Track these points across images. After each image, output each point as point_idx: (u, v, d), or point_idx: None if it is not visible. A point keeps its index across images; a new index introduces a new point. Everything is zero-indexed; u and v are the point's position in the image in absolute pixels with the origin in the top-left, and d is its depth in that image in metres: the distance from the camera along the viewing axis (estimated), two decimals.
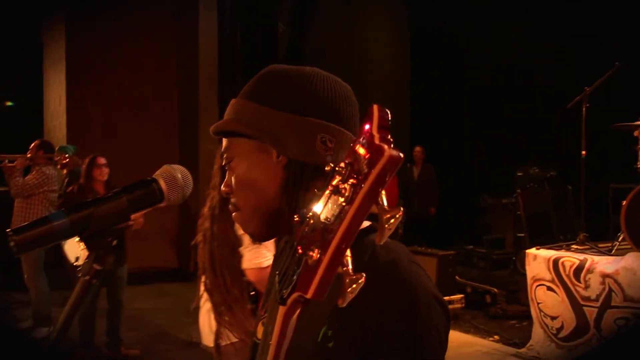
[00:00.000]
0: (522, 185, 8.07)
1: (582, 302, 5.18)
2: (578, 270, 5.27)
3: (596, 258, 5.16)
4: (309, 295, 0.74)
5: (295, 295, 0.76)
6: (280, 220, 1.11)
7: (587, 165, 5.48)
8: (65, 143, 8.61)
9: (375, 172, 0.69)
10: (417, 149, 9.48)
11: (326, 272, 0.73)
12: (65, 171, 6.82)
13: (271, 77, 1.18)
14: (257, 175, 1.12)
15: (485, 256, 8.89)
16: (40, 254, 6.35)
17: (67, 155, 6.67)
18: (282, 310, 0.79)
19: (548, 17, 9.10)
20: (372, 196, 0.70)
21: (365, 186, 0.70)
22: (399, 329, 0.96)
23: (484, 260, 8.88)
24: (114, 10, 9.31)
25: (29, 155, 6.36)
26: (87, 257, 1.03)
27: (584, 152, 5.46)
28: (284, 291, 0.78)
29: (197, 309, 2.90)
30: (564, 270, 5.45)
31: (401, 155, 0.70)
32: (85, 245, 1.01)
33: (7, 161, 6.15)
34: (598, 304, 5.04)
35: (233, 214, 1.18)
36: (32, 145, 6.51)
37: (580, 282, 5.19)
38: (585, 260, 5.18)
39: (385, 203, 0.75)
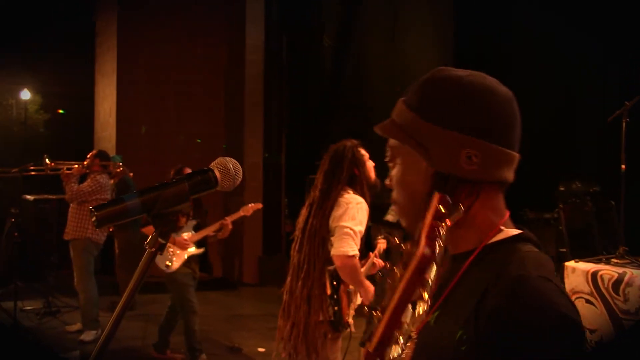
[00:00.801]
0: (565, 200, 8.15)
1: (621, 316, 5.23)
2: (617, 283, 5.34)
3: (635, 271, 5.20)
4: (371, 349, 0.95)
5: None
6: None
7: (627, 179, 5.57)
8: (114, 153, 9.04)
9: (408, 272, 0.94)
10: None
11: (384, 333, 0.95)
12: (112, 181, 7.23)
13: (429, 85, 1.18)
14: (409, 179, 1.18)
15: None
16: (90, 260, 6.67)
17: (120, 164, 7.08)
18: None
19: (592, 31, 9.19)
20: (410, 288, 0.95)
21: (402, 281, 0.95)
22: (523, 344, 0.98)
23: None
24: (163, 27, 9.71)
25: (85, 164, 6.74)
26: (153, 233, 1.25)
27: (623, 167, 5.56)
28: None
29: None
30: (603, 284, 5.53)
31: (429, 252, 0.92)
32: (152, 222, 1.23)
33: (65, 168, 6.54)
34: (638, 317, 5.11)
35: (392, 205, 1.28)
36: (90, 154, 6.90)
37: (619, 295, 5.25)
38: (625, 273, 5.23)
39: (426, 296, 0.97)
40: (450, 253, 1.18)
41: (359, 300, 3.31)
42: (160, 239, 1.22)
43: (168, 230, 1.23)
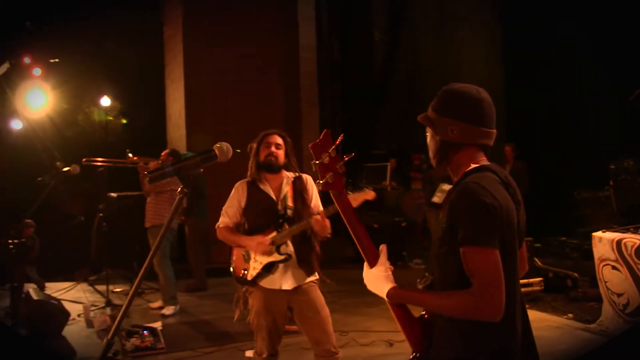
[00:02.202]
0: (615, 178, 8.59)
1: None
2: (639, 249, 5.97)
3: None
4: None
5: None
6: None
7: None
8: (185, 151, 10.15)
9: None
10: (507, 148, 10.25)
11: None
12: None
13: (440, 94, 2.22)
14: (431, 144, 2.23)
15: (578, 247, 9.51)
16: (166, 245, 7.77)
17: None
18: None
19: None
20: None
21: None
22: (460, 204, 1.98)
23: (577, 251, 9.51)
24: (223, 33, 10.71)
25: (160, 160, 7.86)
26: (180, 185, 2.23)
27: None
28: None
29: None
30: (626, 250, 6.14)
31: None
32: (180, 179, 2.22)
33: (142, 163, 7.69)
34: None
35: None
36: (164, 152, 8.03)
37: None
38: None
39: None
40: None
41: (268, 257, 4.00)
42: (183, 189, 2.25)
43: (187, 184, 2.23)
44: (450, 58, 11.95)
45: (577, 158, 10.82)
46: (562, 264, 8.87)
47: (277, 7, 10.99)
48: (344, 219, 2.24)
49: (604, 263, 6.49)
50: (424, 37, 12.06)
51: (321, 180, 2.24)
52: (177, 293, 7.78)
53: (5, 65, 11.65)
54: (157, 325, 6.75)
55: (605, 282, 6.42)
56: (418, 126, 2.27)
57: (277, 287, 3.94)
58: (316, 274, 4.17)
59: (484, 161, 2.13)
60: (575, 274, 7.87)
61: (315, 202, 4.18)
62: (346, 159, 2.27)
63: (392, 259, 2.26)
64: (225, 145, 2.36)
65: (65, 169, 5.77)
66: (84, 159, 7.80)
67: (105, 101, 18.98)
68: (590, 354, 5.43)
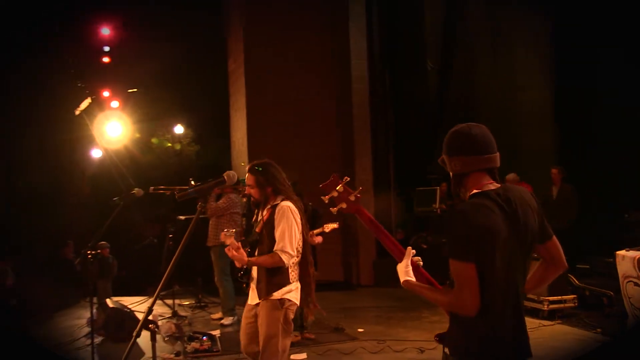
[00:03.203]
0: None
1: None
2: None
3: None
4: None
5: None
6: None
7: None
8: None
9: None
10: (554, 170, 10.76)
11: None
12: (245, 199, 9.24)
13: (446, 137, 2.75)
14: (451, 177, 2.76)
15: None
16: (226, 262, 8.65)
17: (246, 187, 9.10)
18: None
19: None
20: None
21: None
22: (446, 226, 2.57)
23: None
24: (282, 65, 11.67)
25: (217, 182, 8.85)
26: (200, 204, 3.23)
27: None
28: None
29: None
30: None
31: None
32: (198, 198, 3.19)
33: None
34: None
35: None
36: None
37: None
38: None
39: None
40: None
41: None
42: (203, 208, 3.19)
43: (205, 202, 3.19)
44: (503, 83, 12.51)
45: (628, 180, 11.15)
46: (606, 284, 9.13)
47: (331, 42, 11.92)
48: (369, 230, 3.06)
49: (627, 280, 7.01)
50: (478, 63, 12.68)
51: (335, 209, 3.09)
52: (235, 306, 8.69)
53: (87, 101, 13.02)
54: (216, 332, 7.73)
55: (629, 297, 6.93)
56: None
57: (249, 301, 4.59)
58: (274, 294, 4.33)
59: (488, 184, 2.62)
60: (611, 292, 8.30)
61: (281, 233, 4.32)
62: (348, 188, 3.13)
63: (440, 277, 2.82)
64: (232, 173, 3.33)
65: (132, 191, 6.69)
66: (152, 188, 8.90)
67: (179, 129, 20.43)
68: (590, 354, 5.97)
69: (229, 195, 8.73)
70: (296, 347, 7.07)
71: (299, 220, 4.39)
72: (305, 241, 4.47)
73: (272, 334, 4.28)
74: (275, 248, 4.30)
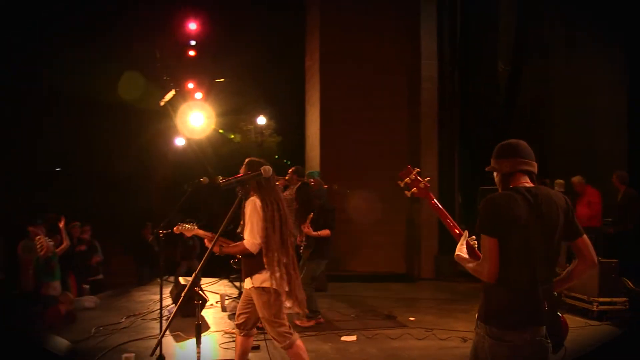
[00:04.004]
0: None
1: None
2: None
3: None
4: None
5: None
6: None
7: None
8: (319, 169, 11.79)
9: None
10: (613, 177, 10.97)
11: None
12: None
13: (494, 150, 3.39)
14: (497, 180, 3.34)
15: None
16: (317, 269, 9.35)
17: (312, 180, 9.73)
18: None
19: None
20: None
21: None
22: (479, 207, 3.19)
23: None
24: (355, 64, 12.26)
25: (287, 177, 9.56)
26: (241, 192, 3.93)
27: None
28: None
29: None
30: None
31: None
32: (239, 188, 3.89)
33: None
34: None
35: None
36: (290, 170, 9.73)
37: None
38: None
39: None
40: None
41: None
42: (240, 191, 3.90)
43: (246, 191, 3.88)
44: (576, 88, 12.67)
45: None
46: None
47: (403, 42, 12.41)
48: (437, 214, 3.70)
49: None
50: (551, 67, 12.87)
51: (409, 193, 3.77)
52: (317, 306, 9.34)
53: (172, 93, 14.02)
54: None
55: None
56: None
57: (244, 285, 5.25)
58: (248, 281, 5.01)
59: (524, 183, 3.28)
60: None
61: (248, 224, 4.86)
62: (419, 177, 3.80)
63: None
64: (268, 167, 3.99)
65: (200, 179, 7.45)
66: (220, 178, 9.67)
67: (261, 120, 21.34)
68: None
69: (294, 187, 9.41)
70: (348, 329, 7.75)
71: (261, 214, 4.82)
72: (283, 232, 4.96)
73: (266, 316, 4.97)
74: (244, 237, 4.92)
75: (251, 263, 4.97)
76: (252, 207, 4.86)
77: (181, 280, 9.18)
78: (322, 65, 12.63)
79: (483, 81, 12.73)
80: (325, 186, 9.84)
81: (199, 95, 15.85)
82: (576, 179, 11.01)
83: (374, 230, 12.07)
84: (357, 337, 7.41)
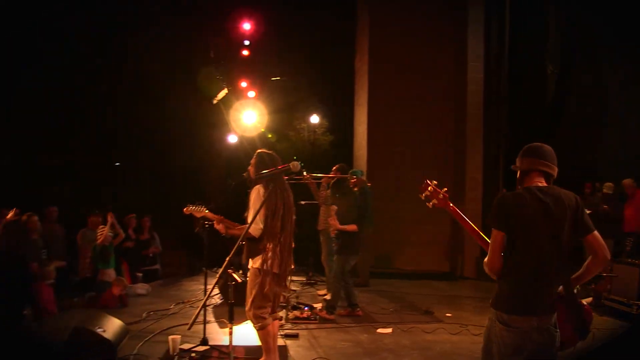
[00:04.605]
0: None
1: None
2: None
3: None
4: None
5: None
6: None
7: None
8: (365, 170, 12.14)
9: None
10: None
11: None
12: (356, 188, 10.21)
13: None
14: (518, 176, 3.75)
15: None
16: (331, 246, 9.79)
17: (354, 178, 10.05)
18: None
19: None
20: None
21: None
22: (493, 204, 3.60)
23: None
24: (402, 67, 12.50)
25: (330, 175, 9.95)
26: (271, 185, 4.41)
27: None
28: None
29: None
30: None
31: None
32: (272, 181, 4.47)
33: (312, 178, 9.85)
34: None
35: None
36: (334, 168, 10.09)
37: None
38: None
39: None
40: None
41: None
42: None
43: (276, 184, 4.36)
44: (626, 89, 12.69)
45: None
46: None
47: (450, 44, 12.63)
48: (459, 222, 4.03)
49: None
50: (599, 69, 12.92)
51: (430, 204, 4.10)
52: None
53: (224, 91, 14.55)
54: (318, 305, 8.85)
55: None
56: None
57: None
58: (250, 262, 5.47)
59: (538, 182, 3.58)
60: None
61: (252, 209, 5.28)
62: (437, 189, 4.12)
63: None
64: (296, 163, 4.38)
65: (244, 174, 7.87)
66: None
67: (314, 119, 21.71)
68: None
69: None
70: (385, 322, 8.10)
71: (264, 201, 5.14)
72: (285, 218, 5.35)
73: (253, 294, 5.42)
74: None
75: (252, 245, 5.40)
76: (256, 194, 5.29)
77: (229, 271, 9.65)
78: (371, 66, 12.94)
79: (531, 83, 12.85)
80: (369, 184, 10.18)
81: (251, 93, 16.32)
82: (627, 181, 11.14)
83: (418, 229, 12.35)
84: (392, 330, 7.76)
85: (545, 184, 3.62)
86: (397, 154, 12.67)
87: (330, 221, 8.42)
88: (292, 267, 5.67)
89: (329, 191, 9.63)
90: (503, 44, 12.70)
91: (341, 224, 8.35)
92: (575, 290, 3.68)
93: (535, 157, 3.66)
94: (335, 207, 8.52)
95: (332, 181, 9.16)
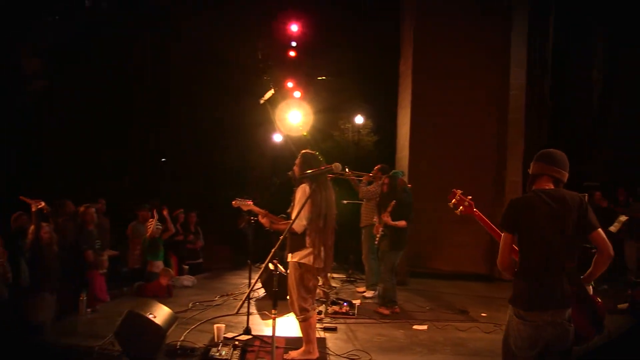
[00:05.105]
0: None
1: None
2: None
3: None
4: None
5: None
6: None
7: None
8: (407, 171, 12.39)
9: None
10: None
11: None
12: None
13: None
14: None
15: None
16: (372, 244, 10.02)
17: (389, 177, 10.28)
18: None
19: None
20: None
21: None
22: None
23: None
24: (446, 71, 12.67)
25: (372, 174, 10.29)
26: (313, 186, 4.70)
27: None
28: None
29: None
30: None
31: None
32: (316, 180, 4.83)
33: (354, 176, 10.20)
34: None
35: None
36: (375, 167, 10.42)
37: None
38: None
39: None
40: None
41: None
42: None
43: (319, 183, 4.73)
44: None
45: None
46: None
47: (493, 50, 12.77)
48: (483, 225, 4.44)
49: None
50: None
51: (457, 211, 4.58)
52: (378, 282, 10.06)
53: (271, 92, 14.99)
54: (357, 302, 9.19)
55: None
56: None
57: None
58: (290, 256, 5.95)
59: (545, 185, 3.90)
60: None
61: (297, 206, 5.70)
62: (463, 197, 4.64)
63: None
64: (337, 164, 4.74)
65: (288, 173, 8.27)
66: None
67: (359, 119, 22.04)
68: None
69: (378, 182, 10.11)
70: (419, 319, 8.40)
71: (309, 200, 5.59)
72: (327, 216, 5.77)
73: (295, 288, 5.90)
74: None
75: (295, 241, 5.82)
76: (302, 192, 5.71)
77: (270, 266, 10.06)
78: (415, 70, 13.10)
79: (575, 89, 12.95)
80: (409, 185, 10.44)
81: (297, 94, 16.71)
82: None
83: (457, 231, 12.51)
84: (427, 327, 8.05)
85: (552, 187, 3.92)
86: (437, 156, 12.84)
87: (384, 217, 8.73)
88: (332, 262, 6.05)
89: (371, 187, 9.99)
90: (546, 51, 12.83)
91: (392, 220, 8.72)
92: (591, 288, 3.96)
93: (545, 162, 3.98)
94: (393, 203, 8.85)
95: (399, 187, 9.39)
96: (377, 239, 9.00)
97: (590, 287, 4.00)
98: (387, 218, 8.69)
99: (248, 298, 7.39)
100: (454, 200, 4.65)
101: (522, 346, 3.82)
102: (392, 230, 8.76)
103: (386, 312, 8.71)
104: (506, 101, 12.49)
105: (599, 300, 3.98)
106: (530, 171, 4.07)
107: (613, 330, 4.07)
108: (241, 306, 5.08)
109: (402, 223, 8.70)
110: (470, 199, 4.60)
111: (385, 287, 8.86)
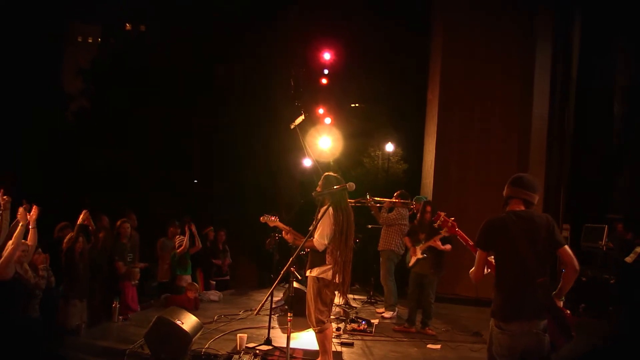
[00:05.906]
0: None
1: None
2: None
3: None
4: None
5: None
6: None
7: None
8: (431, 197, 12.81)
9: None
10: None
11: None
12: (410, 212, 10.89)
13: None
14: None
15: None
16: (391, 265, 10.36)
17: (414, 203, 10.72)
18: None
19: None
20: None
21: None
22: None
23: None
24: (469, 102, 13.15)
25: (392, 200, 10.72)
26: (329, 204, 5.21)
27: None
28: None
29: None
30: None
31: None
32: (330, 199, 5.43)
33: (374, 202, 10.62)
34: None
35: None
36: (395, 194, 10.83)
37: None
38: None
39: None
40: None
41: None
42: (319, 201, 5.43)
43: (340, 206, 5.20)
44: None
45: None
46: None
47: (517, 81, 13.18)
48: (464, 244, 4.85)
49: None
50: None
51: (443, 232, 5.53)
52: (396, 302, 10.47)
53: (301, 117, 15.54)
54: (375, 321, 9.62)
55: None
56: None
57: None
58: (309, 271, 6.33)
59: (516, 207, 4.34)
60: None
61: (320, 226, 6.10)
62: (447, 219, 5.08)
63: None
64: (352, 184, 5.27)
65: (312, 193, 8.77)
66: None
67: (389, 147, 22.50)
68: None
69: (399, 209, 10.54)
70: (432, 340, 8.79)
71: (332, 220, 6.07)
72: (347, 236, 6.16)
73: (313, 301, 6.27)
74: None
75: (316, 257, 6.27)
76: (327, 214, 6.11)
77: (295, 284, 10.53)
78: (441, 100, 13.62)
79: (596, 121, 13.24)
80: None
81: (328, 120, 17.21)
82: None
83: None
84: (440, 346, 8.43)
85: (523, 209, 4.37)
86: (461, 184, 13.22)
87: (435, 242, 9.00)
88: (350, 279, 6.51)
89: (390, 214, 10.44)
90: (569, 81, 13.16)
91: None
92: (561, 302, 4.38)
93: (516, 186, 4.45)
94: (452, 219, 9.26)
95: (421, 205, 9.73)
96: (411, 261, 9.38)
97: (561, 301, 4.40)
98: (437, 243, 9.06)
99: (271, 295, 7.89)
100: (438, 221, 5.11)
101: (502, 354, 4.24)
102: (435, 253, 9.13)
103: (432, 332, 9.16)
104: (529, 130, 12.84)
105: (568, 311, 4.39)
106: (504, 194, 4.50)
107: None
108: (261, 307, 5.59)
109: (448, 247, 9.08)
110: (453, 220, 5.08)
111: (425, 310, 9.34)
